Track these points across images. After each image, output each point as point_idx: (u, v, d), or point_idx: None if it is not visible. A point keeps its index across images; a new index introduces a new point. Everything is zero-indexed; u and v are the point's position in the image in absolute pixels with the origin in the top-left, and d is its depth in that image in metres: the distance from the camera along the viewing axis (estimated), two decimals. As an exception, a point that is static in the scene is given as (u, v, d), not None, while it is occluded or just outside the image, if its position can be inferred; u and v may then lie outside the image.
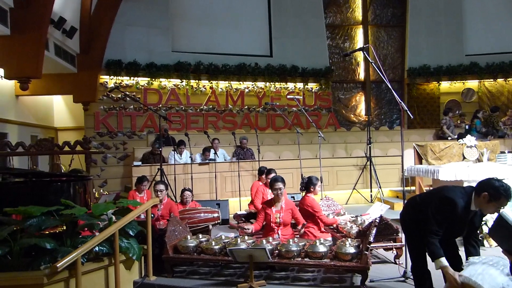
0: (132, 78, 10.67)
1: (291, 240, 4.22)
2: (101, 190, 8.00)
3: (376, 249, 4.73)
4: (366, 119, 13.06)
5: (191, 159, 8.16)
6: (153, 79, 10.86)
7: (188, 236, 4.53)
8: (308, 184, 5.19)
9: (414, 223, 3.34)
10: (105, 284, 3.93)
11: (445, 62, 12.54)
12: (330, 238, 4.89)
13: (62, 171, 8.77)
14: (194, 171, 8.15)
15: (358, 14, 13.11)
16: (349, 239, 4.21)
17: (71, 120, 11.49)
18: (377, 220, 4.03)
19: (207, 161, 8.49)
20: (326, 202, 6.38)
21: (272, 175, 6.28)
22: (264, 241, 4.26)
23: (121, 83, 10.58)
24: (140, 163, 8.06)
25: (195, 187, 8.13)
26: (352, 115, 13.07)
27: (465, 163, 6.47)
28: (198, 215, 5.85)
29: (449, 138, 10.71)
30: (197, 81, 11.31)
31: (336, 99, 12.98)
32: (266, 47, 12.36)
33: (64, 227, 3.88)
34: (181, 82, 11.16)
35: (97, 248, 3.75)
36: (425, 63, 12.58)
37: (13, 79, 7.10)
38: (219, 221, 5.90)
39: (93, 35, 9.71)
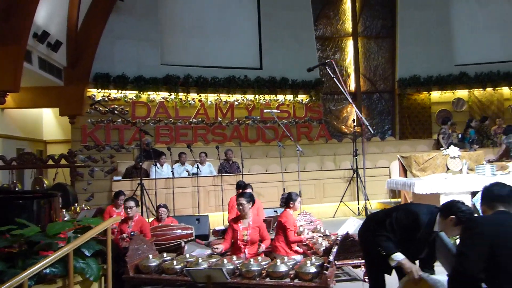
0: (120, 91, 10.69)
1: (252, 259, 4.13)
2: (83, 205, 7.94)
3: (345, 266, 4.64)
4: (358, 130, 12.99)
5: (172, 173, 8.11)
6: (142, 92, 10.87)
7: (150, 255, 4.45)
8: (287, 200, 5.13)
9: (374, 240, 3.25)
10: (60, 306, 3.85)
11: (435, 72, 12.49)
12: (299, 257, 4.80)
13: (45, 185, 8.75)
14: (176, 185, 8.10)
15: (348, 26, 13.12)
16: (313, 258, 4.12)
17: (60, 133, 11.52)
18: (338, 238, 3.94)
19: (188, 175, 8.44)
20: (304, 217, 6.31)
21: (248, 190, 6.23)
22: (225, 260, 4.17)
23: (109, 96, 10.61)
24: (120, 177, 8.03)
25: (177, 202, 8.08)
26: (343, 127, 13.01)
27: (443, 175, 6.38)
28: (170, 232, 5.79)
29: (441, 149, 10.57)
30: (186, 94, 11.31)
31: (327, 111, 12.93)
32: (256, 60, 12.37)
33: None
34: (170, 95, 11.18)
35: (48, 270, 3.67)
36: (416, 73, 12.54)
37: (-10, 94, 7.13)
38: (192, 237, 5.84)
39: (80, 49, 9.77)
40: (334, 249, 3.85)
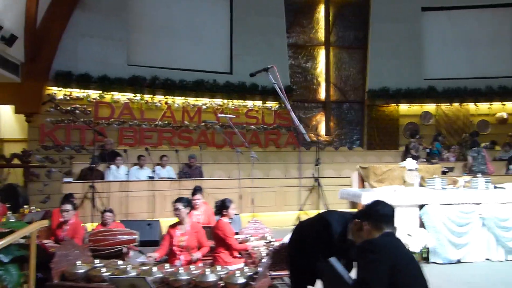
0: (83, 90, 10.39)
1: (182, 268, 3.96)
2: (33, 207, 7.59)
3: (286, 277, 4.51)
4: (327, 139, 13.01)
5: (128, 176, 7.87)
6: (106, 92, 10.60)
7: (79, 262, 4.23)
8: (221, 208, 4.98)
9: (298, 249, 3.16)
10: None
11: (404, 85, 12.61)
12: (241, 265, 4.66)
13: (-5, 185, 8.39)
14: (132, 188, 7.87)
15: (321, 35, 13.15)
16: (246, 268, 3.98)
17: (19, 131, 11.10)
18: (270, 249, 3.82)
19: (144, 178, 8.22)
20: (254, 225, 6.15)
21: (196, 195, 6.08)
22: (154, 268, 3.99)
23: (70, 95, 10.30)
24: (71, 179, 7.74)
25: (133, 206, 7.85)
26: (312, 135, 12.97)
27: (394, 187, 6.36)
28: (112, 237, 5.54)
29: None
30: (152, 96, 11.08)
31: (297, 118, 12.86)
32: (227, 64, 12.26)
33: None
34: (135, 96, 10.93)
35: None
36: (385, 86, 12.62)
37: None
38: (136, 243, 5.61)
39: (40, 44, 9.44)
40: (265, 259, 3.71)
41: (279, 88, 4.18)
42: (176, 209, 4.53)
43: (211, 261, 5.02)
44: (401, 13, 12.79)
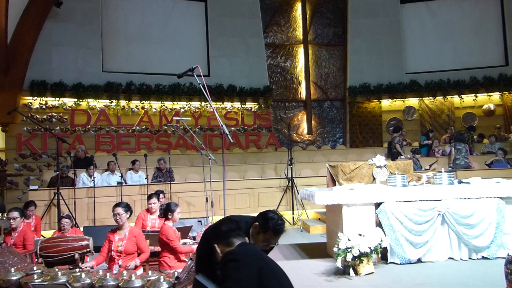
0: (58, 98, 10.47)
1: (108, 274, 3.94)
2: (5, 214, 7.66)
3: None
4: (309, 138, 12.94)
5: (94, 182, 7.90)
6: (81, 100, 10.66)
7: (12, 269, 4.23)
8: (166, 211, 4.96)
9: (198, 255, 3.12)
10: None
11: (385, 80, 12.50)
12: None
13: (-32, 194, 8.49)
14: (99, 194, 7.89)
15: (299, 33, 13.10)
16: (175, 272, 3.95)
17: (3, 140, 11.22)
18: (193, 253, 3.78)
19: (114, 183, 8.24)
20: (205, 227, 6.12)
21: (152, 199, 6.07)
22: (83, 274, 3.98)
23: (46, 103, 10.38)
24: (36, 187, 7.79)
25: (100, 212, 7.86)
26: (294, 134, 12.92)
27: (352, 185, 6.26)
28: (64, 243, 5.54)
29: (401, 157, 10.50)
30: (128, 101, 11.12)
31: (278, 118, 12.83)
32: (204, 67, 12.25)
33: None
34: (111, 102, 10.99)
35: None
36: (366, 81, 12.53)
37: None
38: (88, 249, 5.61)
39: (13, 55, 9.55)
40: (187, 263, 3.68)
41: (204, 89, 4.14)
42: (118, 214, 4.52)
43: (157, 265, 5.03)
44: (379, 7, 12.70)
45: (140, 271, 4.63)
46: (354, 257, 4.86)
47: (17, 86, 9.79)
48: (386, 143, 11.81)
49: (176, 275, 3.73)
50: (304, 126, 12.96)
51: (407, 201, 5.85)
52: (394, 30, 12.85)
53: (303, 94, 13.01)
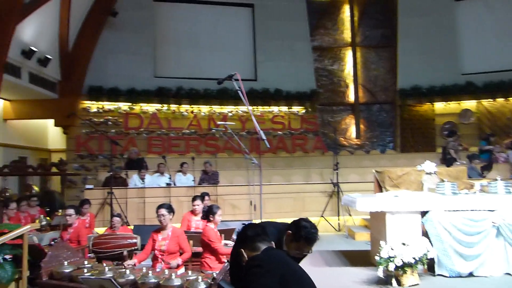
0: (113, 103, 11.09)
1: (150, 272, 4.13)
2: (60, 211, 8.25)
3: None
4: (357, 142, 12.65)
5: (144, 182, 8.27)
6: (134, 104, 11.22)
7: (66, 263, 4.56)
8: (207, 213, 5.09)
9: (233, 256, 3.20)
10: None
11: (438, 82, 11.92)
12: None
13: (33, 191, 9.22)
14: (149, 195, 8.25)
15: (347, 35, 12.88)
16: (214, 274, 4.05)
17: (63, 142, 12.06)
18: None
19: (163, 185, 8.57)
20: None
21: (196, 201, 6.24)
22: (127, 271, 4.19)
23: (102, 108, 11.04)
24: (91, 186, 8.30)
25: (149, 212, 8.20)
26: (342, 139, 12.68)
27: (396, 192, 6.04)
28: (114, 240, 5.87)
29: (457, 163, 9.98)
30: (178, 105, 11.53)
31: (325, 122, 12.67)
32: (251, 71, 12.42)
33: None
34: (162, 107, 11.44)
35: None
36: (417, 84, 12.02)
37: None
38: (135, 247, 5.90)
39: (73, 63, 10.28)
40: (224, 265, 3.76)
41: (242, 95, 4.22)
42: (161, 215, 4.71)
43: (198, 265, 5.17)
44: (431, 5, 12.15)
45: (181, 270, 4.80)
46: (396, 267, 4.70)
47: (77, 91, 10.52)
48: (439, 148, 11.25)
49: (214, 276, 3.83)
50: (352, 130, 12.69)
51: (456, 211, 5.57)
52: (447, 28, 12.23)
53: (351, 97, 12.76)
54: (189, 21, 12.09)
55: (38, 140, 11.77)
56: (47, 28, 9.12)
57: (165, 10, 12.10)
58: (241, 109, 11.96)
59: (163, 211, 4.75)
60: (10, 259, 4.38)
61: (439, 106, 12.18)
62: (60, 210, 8.51)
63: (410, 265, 4.82)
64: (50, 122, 12.04)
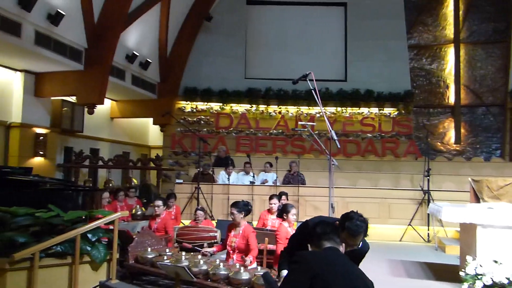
0: (206, 103, 11.73)
1: (222, 264, 4.28)
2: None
3: None
4: (457, 148, 11.55)
5: (228, 180, 8.59)
6: (225, 104, 11.73)
7: (149, 249, 4.96)
8: (281, 212, 5.11)
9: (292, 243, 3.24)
10: (69, 279, 4.63)
11: (561, 83, 10.32)
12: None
13: (133, 184, 10.19)
14: (233, 191, 8.56)
15: (449, 32, 11.81)
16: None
17: (161, 139, 13.13)
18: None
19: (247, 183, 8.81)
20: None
21: (273, 200, 6.30)
22: (201, 261, 4.41)
23: (196, 107, 11.75)
24: (181, 181, 8.86)
25: (232, 207, 8.52)
26: (439, 143, 11.69)
27: (491, 204, 5.36)
28: (196, 233, 6.23)
29: None
30: (266, 106, 11.76)
31: (420, 125, 11.80)
32: (341, 72, 12.12)
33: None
34: (251, 107, 11.77)
35: (58, 247, 4.48)
36: (534, 84, 10.56)
37: (82, 105, 8.73)
38: (215, 240, 6.17)
39: (171, 66, 11.13)
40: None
41: (316, 95, 4.14)
42: (232, 214, 4.86)
43: (272, 262, 5.22)
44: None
45: (253, 266, 4.89)
46: (485, 286, 4.19)
47: (173, 92, 11.36)
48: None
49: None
50: (451, 135, 11.62)
51: None
52: None
53: (451, 99, 11.68)
54: (279, 23, 12.26)
55: (140, 137, 12.97)
56: (148, 34, 10.02)
57: (257, 13, 12.44)
58: (329, 110, 11.74)
59: (233, 210, 4.87)
60: (105, 242, 4.91)
61: (562, 110, 10.54)
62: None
63: (502, 285, 4.28)
64: (151, 120, 13.21)
